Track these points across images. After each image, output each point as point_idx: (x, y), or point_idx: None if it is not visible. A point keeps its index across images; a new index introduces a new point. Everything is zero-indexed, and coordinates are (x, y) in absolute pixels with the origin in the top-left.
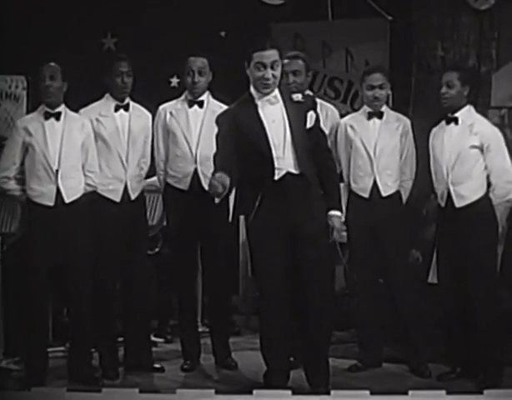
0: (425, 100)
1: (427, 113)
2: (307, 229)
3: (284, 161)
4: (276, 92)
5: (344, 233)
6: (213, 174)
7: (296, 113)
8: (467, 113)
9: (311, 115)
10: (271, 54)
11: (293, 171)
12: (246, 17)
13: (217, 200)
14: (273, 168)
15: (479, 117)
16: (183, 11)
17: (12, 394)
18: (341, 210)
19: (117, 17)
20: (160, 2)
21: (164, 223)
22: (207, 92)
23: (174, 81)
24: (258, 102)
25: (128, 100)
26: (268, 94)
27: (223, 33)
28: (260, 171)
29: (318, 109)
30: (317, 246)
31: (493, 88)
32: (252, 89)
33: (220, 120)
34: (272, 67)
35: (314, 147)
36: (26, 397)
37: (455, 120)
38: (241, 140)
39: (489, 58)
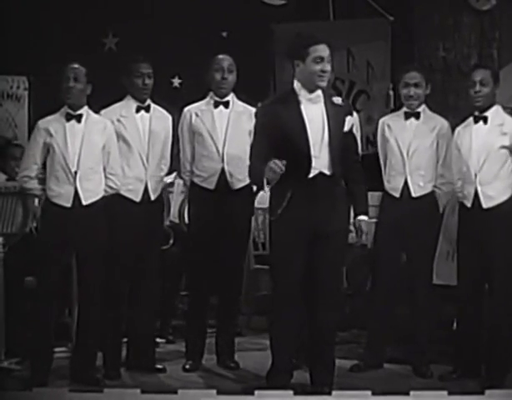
0: (426, 100)
1: None
2: (331, 230)
3: (319, 161)
4: (319, 91)
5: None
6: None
7: (336, 116)
8: (496, 113)
9: (349, 120)
10: (326, 48)
11: (326, 171)
12: (247, 18)
13: (267, 188)
14: (309, 166)
15: (507, 117)
16: (185, 11)
17: (14, 394)
18: (368, 214)
19: (118, 17)
20: (161, 2)
21: (167, 223)
22: (232, 93)
23: (176, 81)
24: (302, 99)
25: (148, 101)
26: (313, 92)
27: (224, 34)
28: (295, 167)
29: None
30: (338, 247)
31: None
32: (295, 86)
33: (260, 113)
34: (328, 61)
35: (345, 150)
36: (27, 397)
37: (484, 119)
38: (280, 134)
39: (491, 59)
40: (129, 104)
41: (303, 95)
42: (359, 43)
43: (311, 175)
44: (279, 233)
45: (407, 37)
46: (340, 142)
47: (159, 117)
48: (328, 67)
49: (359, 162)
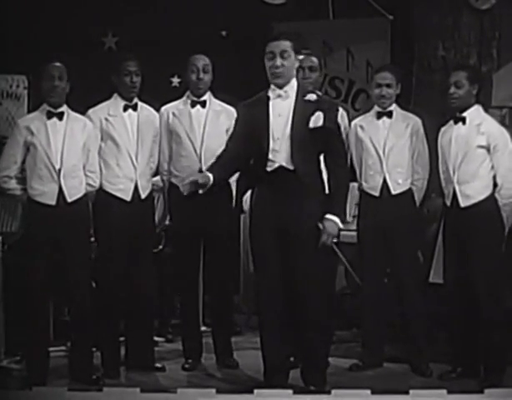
0: (426, 100)
1: (428, 113)
2: (297, 227)
3: (279, 154)
4: (289, 87)
5: (335, 239)
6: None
7: (302, 111)
8: (475, 113)
9: (318, 115)
10: (281, 44)
11: (287, 166)
12: (247, 17)
13: (200, 191)
14: (266, 159)
15: (486, 116)
16: (184, 10)
17: (13, 393)
18: (340, 217)
19: (118, 17)
20: (161, 1)
21: (166, 222)
22: (208, 92)
23: (175, 80)
24: (271, 95)
25: (136, 100)
26: (280, 87)
27: (224, 33)
28: (256, 161)
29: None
30: (308, 245)
31: (494, 88)
32: (270, 83)
33: (239, 110)
34: (282, 57)
35: (324, 150)
36: (27, 396)
37: (463, 119)
38: (248, 129)
39: (490, 58)
40: (117, 103)
41: (272, 91)
42: (359, 42)
43: (270, 168)
44: (250, 231)
45: (406, 36)
46: (305, 137)
47: (147, 116)
48: (278, 62)
49: (340, 165)
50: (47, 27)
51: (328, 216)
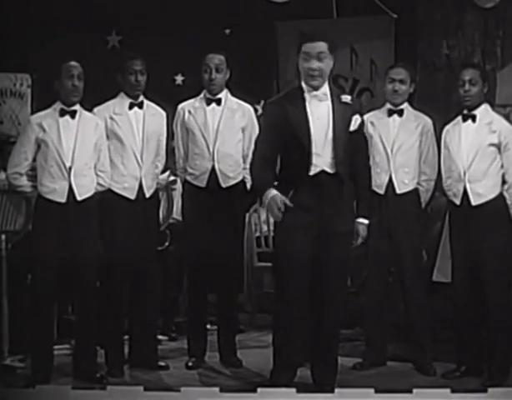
0: (430, 98)
1: (431, 111)
2: (335, 230)
3: (322, 159)
4: (326, 89)
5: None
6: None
7: (342, 114)
8: (484, 111)
9: (356, 118)
10: (318, 46)
11: (329, 170)
12: (251, 15)
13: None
14: (309, 163)
15: (496, 115)
16: (188, 9)
17: (17, 392)
18: (368, 217)
19: (121, 15)
20: None
21: (170, 220)
22: (225, 90)
23: (179, 79)
24: (307, 96)
25: (141, 98)
26: (316, 89)
27: (227, 31)
28: (296, 164)
29: None
30: (342, 247)
31: (498, 86)
32: (302, 82)
33: (267, 107)
34: (318, 59)
35: (353, 150)
36: (30, 394)
37: (473, 117)
38: (283, 131)
39: (494, 56)
40: (122, 101)
41: (308, 92)
42: (363, 41)
43: (312, 173)
44: (283, 232)
45: (410, 34)
46: (346, 140)
47: (153, 114)
48: (314, 65)
49: (367, 166)
50: (51, 25)
51: (361, 220)
